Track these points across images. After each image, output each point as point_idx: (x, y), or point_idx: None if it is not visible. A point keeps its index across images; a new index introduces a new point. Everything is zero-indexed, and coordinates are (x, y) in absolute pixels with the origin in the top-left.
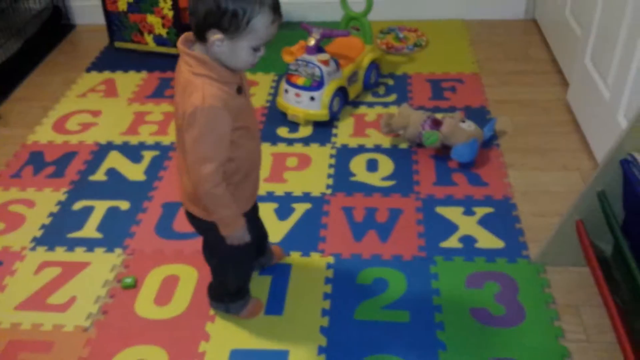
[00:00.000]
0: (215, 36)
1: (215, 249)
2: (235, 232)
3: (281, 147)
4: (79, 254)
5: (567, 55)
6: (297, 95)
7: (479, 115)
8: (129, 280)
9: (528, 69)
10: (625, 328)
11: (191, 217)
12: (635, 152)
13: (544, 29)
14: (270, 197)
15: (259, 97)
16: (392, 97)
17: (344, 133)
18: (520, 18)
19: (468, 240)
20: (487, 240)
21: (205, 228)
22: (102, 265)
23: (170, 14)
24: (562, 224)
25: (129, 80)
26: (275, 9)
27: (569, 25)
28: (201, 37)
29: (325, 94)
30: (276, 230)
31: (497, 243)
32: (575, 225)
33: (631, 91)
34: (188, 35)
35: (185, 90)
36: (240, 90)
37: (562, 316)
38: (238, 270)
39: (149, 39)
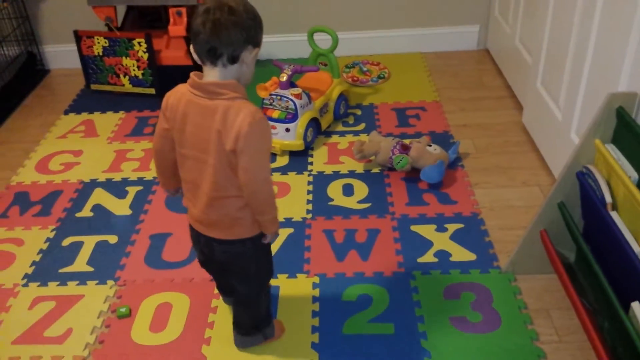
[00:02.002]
0: (254, 51)
1: (253, 270)
2: (278, 229)
3: None
4: (72, 288)
5: (519, 81)
6: (273, 127)
7: (443, 139)
8: (123, 310)
9: (484, 95)
10: (594, 327)
11: (228, 245)
12: (589, 165)
13: (496, 57)
14: None
15: None
16: (362, 126)
17: (319, 161)
18: (474, 49)
19: (443, 254)
20: (460, 253)
21: (242, 251)
22: (96, 297)
23: (145, 56)
24: (528, 234)
25: (108, 121)
26: None
27: (519, 54)
28: (235, 59)
29: (299, 126)
30: None
31: (469, 256)
32: (539, 235)
33: (581, 111)
34: (197, 74)
35: (228, 117)
36: None
37: (535, 320)
38: (267, 290)
39: (124, 80)
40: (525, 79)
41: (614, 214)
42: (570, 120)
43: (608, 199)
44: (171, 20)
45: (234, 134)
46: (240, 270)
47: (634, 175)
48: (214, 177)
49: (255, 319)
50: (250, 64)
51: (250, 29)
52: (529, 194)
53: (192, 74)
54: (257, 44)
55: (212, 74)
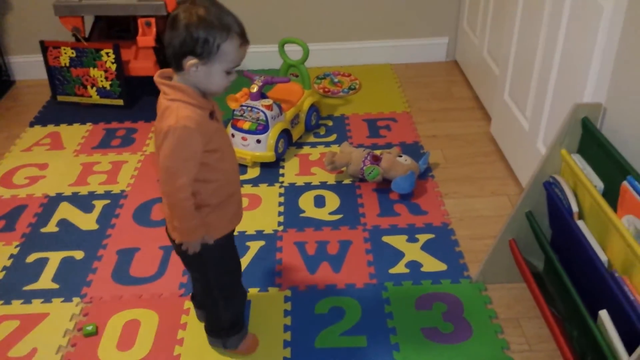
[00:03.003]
0: (190, 61)
1: (195, 268)
2: (193, 242)
3: None
4: (37, 306)
5: (487, 92)
6: (244, 139)
7: (413, 150)
8: (89, 328)
9: (453, 106)
10: (563, 335)
11: (173, 243)
12: (556, 175)
13: (465, 69)
14: None
15: None
16: (333, 137)
17: (291, 172)
18: (443, 60)
19: (414, 265)
20: (431, 264)
21: (184, 252)
22: (61, 315)
23: (113, 66)
24: (497, 244)
25: (74, 133)
26: (242, 34)
27: (487, 65)
28: (178, 66)
29: (270, 137)
30: None
31: (440, 266)
32: (508, 244)
33: (547, 121)
34: (164, 71)
35: (163, 115)
36: (212, 115)
37: (505, 329)
38: (228, 301)
39: (92, 91)
40: (493, 90)
41: (580, 223)
42: (537, 130)
43: (574, 208)
44: (140, 30)
45: (162, 135)
46: (186, 263)
47: (600, 184)
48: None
49: (214, 324)
50: (197, 74)
51: (185, 42)
52: (497, 204)
53: (160, 70)
54: (200, 56)
55: (174, 75)
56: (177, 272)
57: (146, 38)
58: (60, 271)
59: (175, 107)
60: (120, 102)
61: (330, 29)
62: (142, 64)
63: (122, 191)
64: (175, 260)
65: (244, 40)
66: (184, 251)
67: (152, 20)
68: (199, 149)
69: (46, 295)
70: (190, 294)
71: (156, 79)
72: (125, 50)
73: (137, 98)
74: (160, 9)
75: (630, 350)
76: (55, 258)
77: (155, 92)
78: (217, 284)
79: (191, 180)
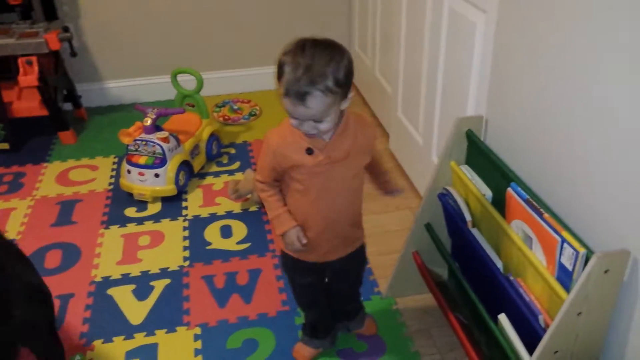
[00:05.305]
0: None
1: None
2: (284, 235)
3: (131, 227)
4: None
5: (383, 110)
6: (141, 174)
7: None
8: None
9: None
10: (471, 341)
11: None
12: (448, 186)
13: (361, 88)
14: (126, 279)
15: (100, 181)
16: (236, 165)
17: (194, 204)
18: None
19: None
20: None
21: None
22: None
23: None
24: (401, 257)
25: None
26: (296, 94)
27: (380, 85)
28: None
29: (169, 170)
30: (137, 311)
31: None
32: (412, 256)
33: (438, 135)
34: None
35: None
36: (310, 151)
37: (417, 340)
38: (306, 303)
39: None
40: (388, 108)
41: (474, 231)
42: (430, 144)
43: (467, 217)
44: (21, 70)
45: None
46: None
47: (488, 193)
48: None
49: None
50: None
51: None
52: (402, 218)
53: None
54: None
55: None
56: (76, 321)
57: (28, 77)
58: None
59: (283, 123)
60: (5, 146)
61: (223, 57)
62: (26, 104)
63: (12, 240)
64: (73, 308)
65: (297, 99)
66: None
67: (34, 59)
68: (269, 159)
69: None
70: None
71: None
72: (7, 91)
73: (24, 140)
74: (41, 46)
75: (530, 349)
76: None
77: (44, 132)
78: (293, 288)
79: (265, 180)
